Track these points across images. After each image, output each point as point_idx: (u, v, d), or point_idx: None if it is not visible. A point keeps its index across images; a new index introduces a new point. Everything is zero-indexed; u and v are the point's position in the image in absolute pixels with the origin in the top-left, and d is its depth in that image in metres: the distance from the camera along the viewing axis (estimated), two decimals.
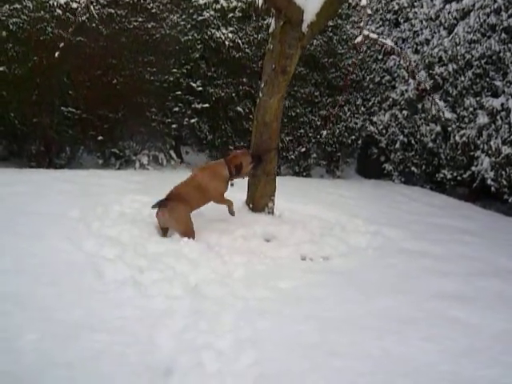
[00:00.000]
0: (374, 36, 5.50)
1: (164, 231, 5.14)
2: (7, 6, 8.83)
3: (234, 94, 11.02)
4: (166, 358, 2.90)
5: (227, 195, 5.54)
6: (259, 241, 5.28)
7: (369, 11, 5.49)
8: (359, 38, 5.43)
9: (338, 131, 11.72)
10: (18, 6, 8.86)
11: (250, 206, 6.07)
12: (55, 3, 8.95)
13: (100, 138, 9.86)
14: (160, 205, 4.98)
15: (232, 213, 5.58)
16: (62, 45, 6.69)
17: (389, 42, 5.83)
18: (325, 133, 7.78)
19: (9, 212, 5.24)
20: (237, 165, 5.44)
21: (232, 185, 5.58)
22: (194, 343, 3.05)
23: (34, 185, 6.71)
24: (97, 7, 8.85)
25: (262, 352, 3.01)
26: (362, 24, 5.44)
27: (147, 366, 2.79)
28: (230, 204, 5.55)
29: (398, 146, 11.54)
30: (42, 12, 9.00)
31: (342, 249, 5.34)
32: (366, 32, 5.23)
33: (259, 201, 6.04)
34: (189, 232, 5.00)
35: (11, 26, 8.85)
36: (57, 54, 6.38)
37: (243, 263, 4.53)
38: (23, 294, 3.42)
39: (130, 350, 2.91)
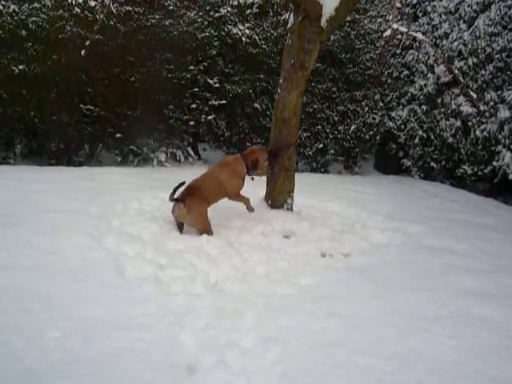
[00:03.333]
0: (404, 29, 5.37)
1: (180, 226, 5.14)
2: (27, 5, 8.92)
3: (251, 91, 11.01)
4: (190, 355, 2.89)
5: (246, 191, 5.53)
6: (279, 237, 5.24)
7: (398, 4, 5.37)
8: (388, 32, 5.31)
9: (355, 127, 11.62)
10: (37, 4, 8.95)
11: (269, 202, 6.04)
12: (74, 2, 9.01)
13: (118, 135, 9.92)
14: (178, 200, 4.97)
15: (251, 210, 5.56)
16: (87, 43, 6.71)
17: (419, 36, 5.70)
18: (353, 127, 7.67)
19: (31, 209, 5.29)
20: (253, 160, 5.42)
21: (252, 179, 5.54)
22: (217, 341, 3.04)
23: (55, 182, 6.77)
24: (114, 5, 8.88)
25: (285, 349, 2.99)
26: (391, 17, 5.33)
27: (171, 363, 2.78)
28: (246, 201, 5.54)
29: (417, 141, 11.42)
30: (61, 11, 9.08)
31: (363, 245, 5.29)
32: (395, 25, 5.10)
33: (278, 197, 6.01)
34: (207, 229, 5.01)
35: (31, 25, 8.94)
36: (83, 52, 6.41)
37: (263, 260, 4.51)
38: (46, 292, 3.43)
39: (152, 348, 2.90)
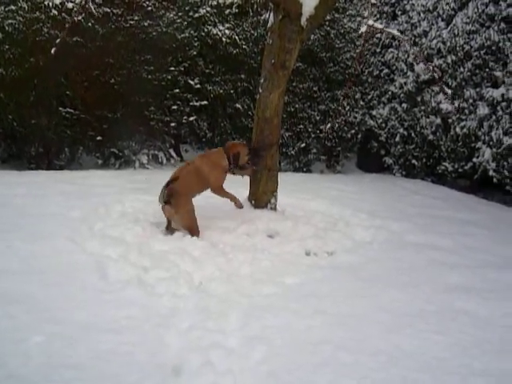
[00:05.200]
0: (379, 26, 5.40)
1: (169, 222, 5.13)
2: (2, 7, 8.81)
3: (232, 91, 11.00)
4: (175, 357, 2.87)
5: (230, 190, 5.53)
6: (263, 237, 5.23)
7: (373, 0, 5.41)
8: (364, 29, 5.34)
9: (337, 126, 11.67)
10: (13, 7, 8.82)
11: (252, 202, 6.02)
12: (50, 4, 8.91)
13: (99, 138, 9.84)
14: (165, 200, 4.94)
15: (239, 206, 5.63)
16: (58, 41, 6.59)
17: (395, 32, 5.74)
18: (329, 125, 7.68)
19: (12, 214, 5.23)
20: (234, 154, 5.42)
21: (233, 173, 5.54)
22: (202, 342, 3.02)
23: (35, 186, 6.69)
24: (92, 6, 8.81)
25: (271, 349, 2.98)
26: (366, 14, 5.37)
27: (156, 365, 2.76)
28: (232, 198, 5.57)
29: (398, 139, 11.51)
30: (38, 13, 8.98)
31: (347, 243, 5.30)
32: (370, 22, 5.13)
33: (261, 197, 6.00)
34: (193, 226, 5.00)
35: (7, 28, 8.82)
36: (53, 51, 6.28)
37: (248, 260, 4.49)
38: (29, 296, 3.38)
39: (138, 350, 2.87)
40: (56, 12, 9.01)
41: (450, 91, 7.13)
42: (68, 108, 9.59)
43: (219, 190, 5.48)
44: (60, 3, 9.00)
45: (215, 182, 5.38)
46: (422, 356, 2.99)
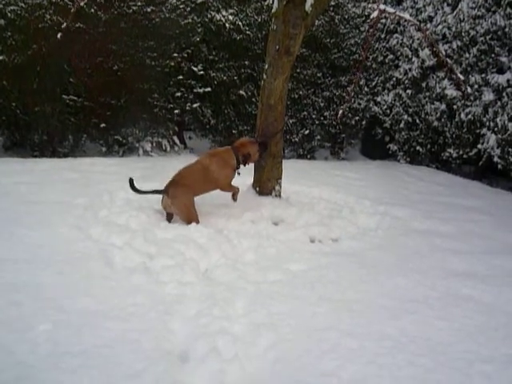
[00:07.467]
0: (391, 10, 5.33)
1: (169, 216, 5.12)
2: None
3: (236, 78, 10.94)
4: (181, 344, 2.88)
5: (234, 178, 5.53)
6: (267, 224, 5.24)
7: None
8: (375, 13, 5.28)
9: (341, 112, 11.60)
10: None
11: (257, 189, 6.03)
12: None
13: (103, 125, 9.82)
14: (163, 191, 5.00)
15: (235, 200, 5.57)
16: (63, 26, 6.55)
17: (407, 16, 5.68)
18: (341, 112, 7.63)
19: (16, 202, 5.24)
20: (245, 154, 5.39)
21: (239, 173, 5.52)
22: (209, 329, 3.02)
23: (39, 174, 6.70)
24: None
25: (277, 335, 2.98)
26: None
27: (163, 352, 2.76)
28: (236, 191, 5.54)
29: (402, 125, 11.46)
30: None
31: (352, 230, 5.31)
32: (382, 6, 5.06)
33: (266, 184, 6.00)
34: (191, 219, 4.98)
35: (9, 14, 8.76)
36: (59, 36, 6.24)
37: (253, 247, 4.50)
38: (34, 284, 3.39)
39: (144, 337, 2.88)
40: None
41: (462, 77, 7.03)
42: (71, 95, 9.57)
43: (227, 188, 5.47)
44: None
45: (226, 180, 5.37)
46: (427, 341, 3.00)
